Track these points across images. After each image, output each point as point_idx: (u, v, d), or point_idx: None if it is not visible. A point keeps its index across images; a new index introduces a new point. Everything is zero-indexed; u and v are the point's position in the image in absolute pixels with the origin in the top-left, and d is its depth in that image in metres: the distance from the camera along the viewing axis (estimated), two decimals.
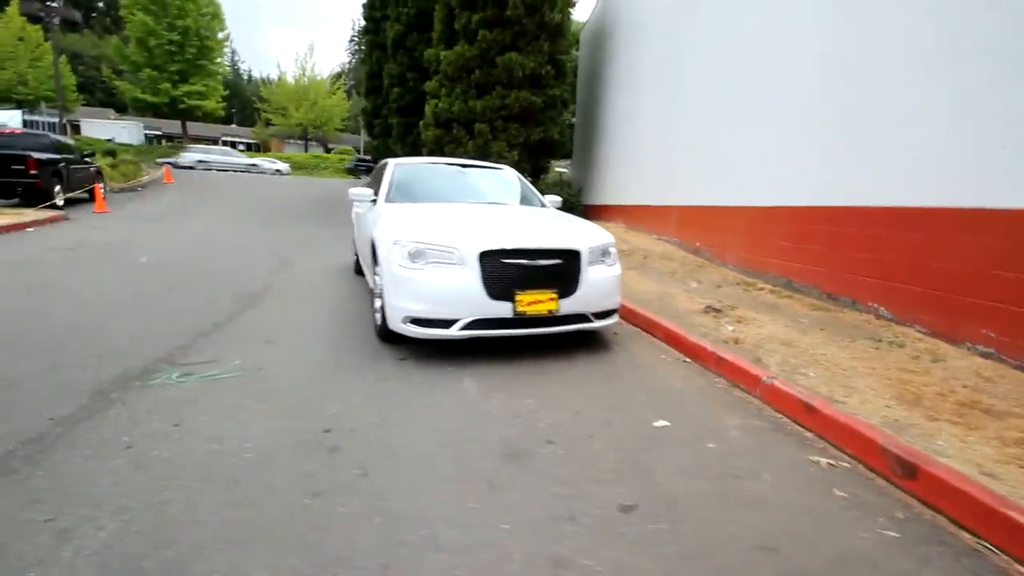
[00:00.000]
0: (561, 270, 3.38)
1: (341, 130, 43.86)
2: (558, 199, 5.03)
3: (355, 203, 5.89)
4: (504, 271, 3.23)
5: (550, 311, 3.31)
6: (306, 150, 42.81)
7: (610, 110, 12.53)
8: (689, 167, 7.66)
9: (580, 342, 3.80)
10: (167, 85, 26.79)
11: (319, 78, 40.51)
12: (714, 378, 3.24)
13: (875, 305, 4.26)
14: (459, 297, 3.20)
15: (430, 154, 13.95)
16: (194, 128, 34.79)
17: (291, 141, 43.53)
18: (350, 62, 63.25)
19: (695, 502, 1.93)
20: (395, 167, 4.80)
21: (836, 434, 2.39)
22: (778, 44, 5.71)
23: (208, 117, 31.28)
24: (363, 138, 35.79)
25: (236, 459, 2.12)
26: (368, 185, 6.07)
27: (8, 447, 2.14)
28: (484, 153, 12.52)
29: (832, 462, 2.26)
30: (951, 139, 3.67)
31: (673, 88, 8.49)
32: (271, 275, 6.02)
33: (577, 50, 16.23)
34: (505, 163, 12.50)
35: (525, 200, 4.79)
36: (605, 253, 3.67)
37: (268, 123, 40.28)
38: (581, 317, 3.50)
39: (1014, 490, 1.90)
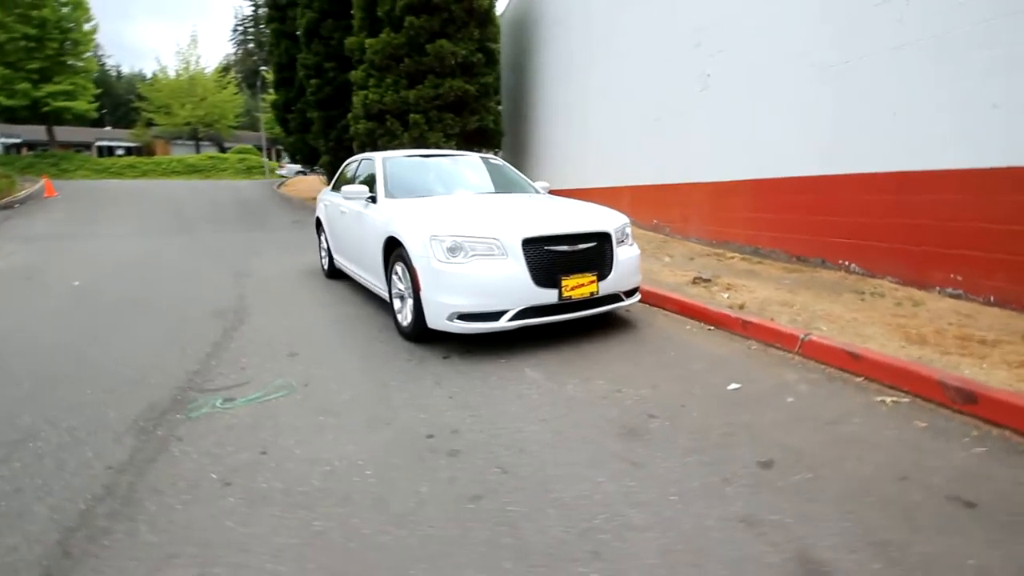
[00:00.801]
0: (597, 252, 3.45)
1: (236, 127, 40.65)
2: (546, 184, 5.07)
3: (326, 203, 5.60)
4: (548, 258, 3.24)
5: (592, 293, 3.37)
6: (198, 151, 39.23)
7: (544, 98, 12.66)
8: (642, 151, 7.97)
9: (600, 323, 3.89)
10: (26, 85, 23.32)
11: (205, 72, 37.19)
12: (746, 341, 3.48)
13: (845, 262, 4.75)
14: (506, 288, 3.17)
15: (361, 148, 13.39)
16: (63, 133, 30.63)
17: (179, 142, 39.66)
18: (236, 53, 58.58)
19: (816, 450, 2.10)
20: (383, 161, 4.58)
21: (888, 375, 2.67)
22: (721, 32, 6.10)
23: (80, 120, 27.72)
24: (263, 135, 33.46)
25: (359, 477, 1.98)
26: (335, 185, 5.76)
27: (79, 506, 1.85)
28: (421, 144, 12.24)
29: (896, 399, 2.54)
30: (900, 114, 4.16)
31: (616, 76, 8.75)
32: (235, 288, 5.55)
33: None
34: None
35: (519, 187, 4.79)
36: (625, 233, 3.78)
37: (150, 123, 36.38)
38: (615, 297, 3.59)
39: None
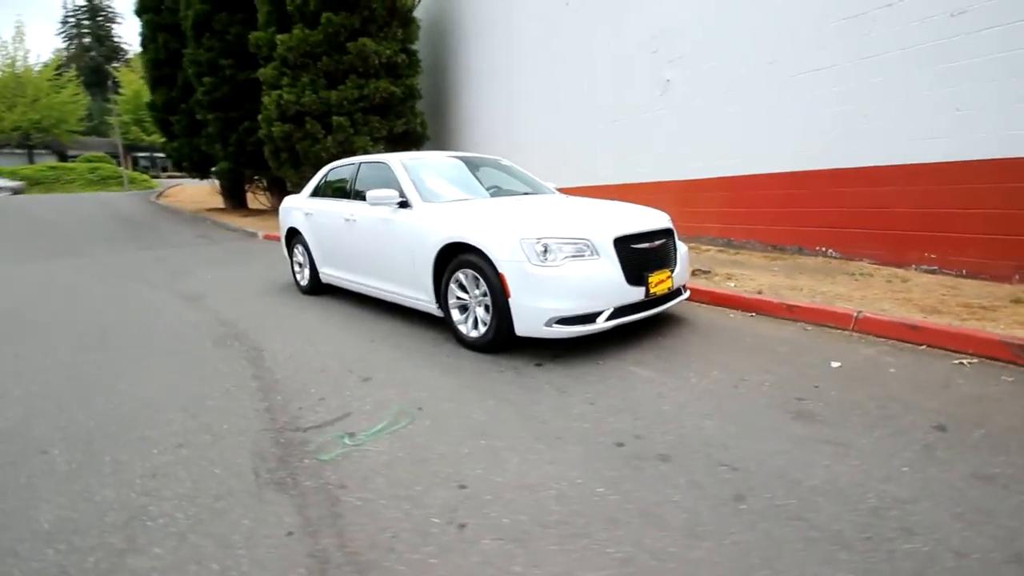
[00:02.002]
0: (669, 248, 3.54)
1: (81, 132, 35.15)
2: (554, 185, 5.07)
3: (307, 211, 5.09)
4: (635, 256, 3.26)
5: (668, 288, 3.46)
6: (31, 160, 33.23)
7: (469, 101, 12.55)
8: (595, 152, 8.26)
9: (651, 320, 3.99)
10: None
11: (35, 70, 31.70)
12: (795, 324, 3.78)
13: (823, 248, 5.35)
14: (603, 288, 3.14)
15: (275, 153, 12.33)
16: None
17: (6, 151, 33.29)
18: (68, 49, 50.62)
19: (960, 411, 2.36)
20: (404, 165, 4.27)
21: (949, 341, 3.08)
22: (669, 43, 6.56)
23: None
24: (119, 141, 29.32)
25: (596, 496, 1.84)
26: (316, 191, 5.28)
27: None
28: (346, 149, 11.56)
29: (968, 361, 2.93)
30: (872, 116, 4.81)
31: (561, 80, 8.93)
32: (201, 312, 4.87)
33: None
34: None
35: (541, 189, 4.73)
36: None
37: None
38: (678, 291, 3.72)
39: None
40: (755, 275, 5.04)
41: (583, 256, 3.12)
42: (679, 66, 6.75)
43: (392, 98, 12.03)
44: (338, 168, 5.22)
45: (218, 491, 1.98)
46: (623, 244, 3.21)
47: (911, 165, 4.55)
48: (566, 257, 3.09)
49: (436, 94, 13.92)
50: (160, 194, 20.44)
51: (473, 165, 4.73)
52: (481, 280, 3.32)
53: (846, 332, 3.53)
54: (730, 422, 2.36)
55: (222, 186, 16.39)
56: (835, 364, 2.98)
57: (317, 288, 5.39)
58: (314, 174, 12.32)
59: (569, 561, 1.55)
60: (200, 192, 19.92)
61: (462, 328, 3.54)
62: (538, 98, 9.99)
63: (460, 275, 3.48)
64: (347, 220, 4.56)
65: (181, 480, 2.06)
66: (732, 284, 4.82)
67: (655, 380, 2.87)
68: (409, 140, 13.09)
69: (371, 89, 11.54)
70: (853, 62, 4.88)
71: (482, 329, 3.39)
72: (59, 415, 2.70)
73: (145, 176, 31.47)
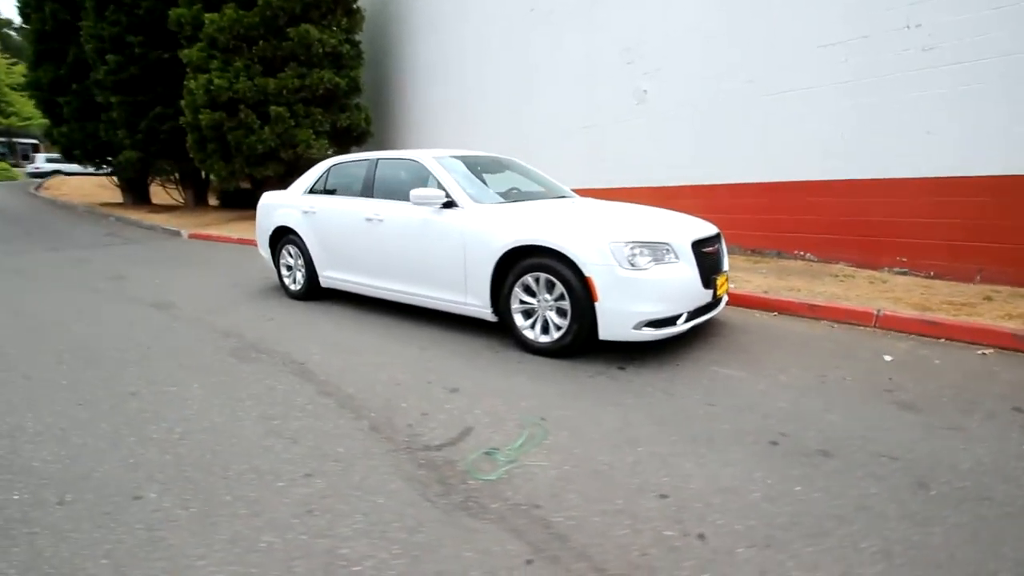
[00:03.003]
0: (721, 252, 3.70)
1: None
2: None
3: (306, 209, 4.69)
4: (705, 259, 3.37)
5: (727, 291, 3.62)
6: None
7: (426, 100, 12.18)
8: (579, 157, 8.38)
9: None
10: None
11: None
12: (819, 322, 4.12)
13: (801, 252, 5.88)
14: (685, 291, 3.21)
15: (200, 144, 11.14)
16: None
17: None
18: None
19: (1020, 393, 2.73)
20: (442, 163, 4.05)
21: (965, 335, 3.53)
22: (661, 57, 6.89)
23: None
24: None
25: (819, 499, 1.89)
26: (314, 188, 4.88)
27: None
28: (286, 142, 10.79)
29: (986, 352, 3.38)
30: (848, 136, 5.38)
31: (541, 90, 8.96)
32: (197, 325, 4.32)
33: None
34: (314, 154, 11.11)
35: (564, 191, 4.72)
36: None
37: None
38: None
39: None
40: (748, 277, 5.41)
41: (664, 260, 3.17)
42: (656, 78, 7.07)
43: (337, 90, 11.39)
44: (343, 165, 4.83)
45: (404, 523, 1.77)
46: (697, 248, 3.32)
47: (884, 180, 5.15)
48: (651, 261, 3.13)
49: (379, 89, 13.37)
50: (39, 186, 17.54)
51: (500, 166, 4.62)
52: (557, 284, 3.25)
53: (869, 329, 3.92)
54: (849, 415, 2.53)
55: (121, 178, 14.45)
56: (887, 358, 3.30)
57: (312, 293, 4.96)
58: (247, 168, 11.39)
59: (835, 560, 1.58)
60: (88, 185, 17.40)
61: (528, 333, 3.44)
62: (498, 99, 9.94)
63: (528, 279, 3.39)
64: (369, 220, 4.24)
65: (347, 514, 1.81)
66: (732, 286, 5.14)
67: (745, 379, 3.00)
68: (352, 136, 12.47)
69: (314, 79, 10.84)
70: (830, 85, 5.42)
71: (555, 334, 3.32)
72: (126, 455, 2.25)
73: (4, 164, 26.84)
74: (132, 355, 3.51)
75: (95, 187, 16.54)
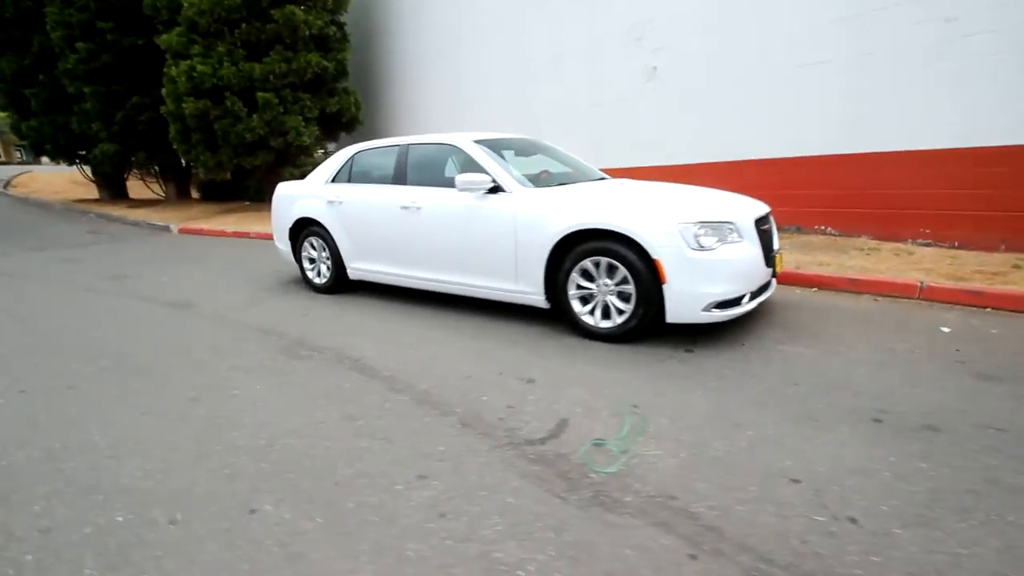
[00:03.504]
0: (773, 229, 3.68)
1: None
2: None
3: (332, 199, 4.51)
4: (766, 238, 3.35)
5: (781, 269, 3.61)
6: None
7: (418, 84, 11.82)
8: (586, 137, 8.27)
9: None
10: None
11: None
12: (860, 296, 4.16)
13: (822, 227, 5.93)
14: (750, 270, 3.18)
15: (184, 134, 10.68)
16: None
17: None
18: None
19: None
20: (482, 147, 3.92)
21: (1014, 303, 3.59)
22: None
23: None
24: None
25: (947, 475, 1.89)
26: (338, 177, 4.71)
27: None
28: (276, 130, 10.43)
29: None
30: (871, 108, 5.40)
31: (542, 69, 8.76)
32: (229, 324, 4.17)
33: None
34: (304, 142, 10.77)
35: (597, 172, 4.63)
36: None
37: None
38: None
39: None
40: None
41: (729, 239, 3.14)
42: (665, 55, 6.98)
43: (325, 74, 11.02)
44: (369, 152, 4.65)
45: (544, 522, 1.71)
46: (757, 226, 3.29)
47: (904, 152, 5.20)
48: (716, 241, 3.08)
49: (366, 73, 12.97)
50: (8, 184, 16.62)
51: (538, 148, 4.52)
52: (620, 267, 3.19)
53: (913, 300, 3.97)
54: (935, 388, 2.55)
55: (97, 173, 13.79)
56: (945, 329, 3.34)
57: (338, 286, 4.81)
58: (235, 157, 10.95)
59: (992, 534, 1.58)
60: (59, 180, 16.55)
61: (587, 319, 3.38)
62: (496, 81, 9.72)
63: (587, 263, 3.32)
64: (405, 208, 4.10)
65: (482, 515, 1.74)
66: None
67: (816, 356, 3.00)
68: (340, 122, 12.11)
69: (301, 63, 10.44)
70: (849, 59, 5.41)
71: (617, 318, 3.26)
72: (219, 465, 2.13)
73: None
74: (175, 359, 3.34)
75: (67, 183, 15.72)
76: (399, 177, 4.29)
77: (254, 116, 10.26)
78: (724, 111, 6.51)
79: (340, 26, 11.56)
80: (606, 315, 3.34)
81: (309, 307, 4.48)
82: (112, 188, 14.22)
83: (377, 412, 2.53)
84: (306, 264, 5.06)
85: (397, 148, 4.40)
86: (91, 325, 4.16)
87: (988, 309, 3.69)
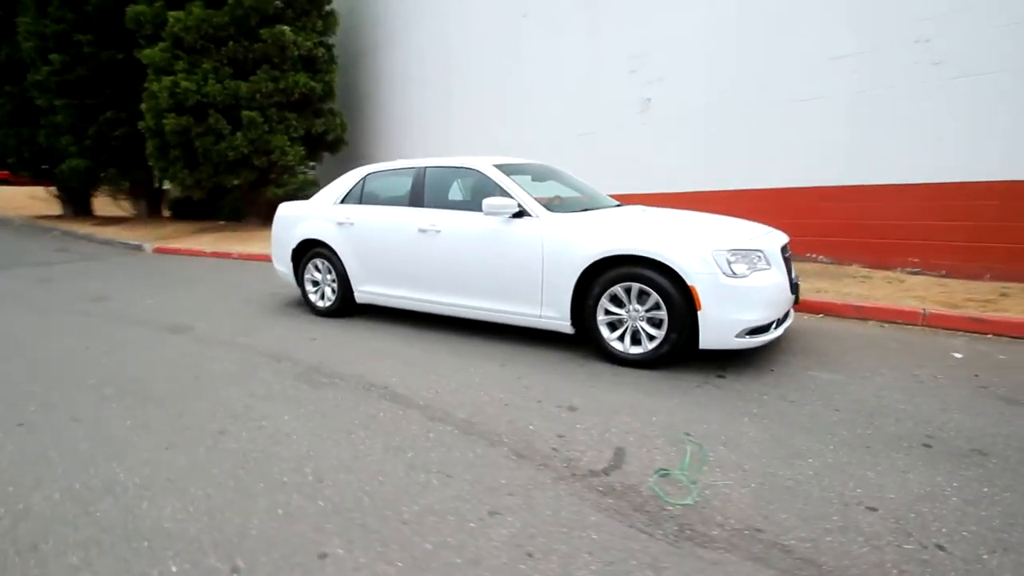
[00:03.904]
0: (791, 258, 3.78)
1: None
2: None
3: (342, 220, 4.42)
4: (788, 265, 3.43)
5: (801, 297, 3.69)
6: None
7: (404, 105, 11.81)
8: (577, 165, 8.39)
9: None
10: None
11: None
12: (867, 322, 4.28)
13: (813, 255, 6.14)
14: (779, 297, 3.24)
15: (161, 150, 10.37)
16: None
17: None
18: None
19: None
20: (499, 173, 3.90)
21: (1010, 329, 3.77)
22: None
23: None
24: None
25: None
26: (348, 198, 4.61)
27: None
28: (260, 149, 10.24)
29: None
30: (862, 142, 5.67)
31: (536, 98, 8.90)
32: (235, 348, 3.99)
33: None
34: (289, 161, 10.60)
35: (607, 200, 4.68)
36: None
37: None
38: None
39: None
40: None
41: (758, 267, 3.19)
42: (661, 86, 7.21)
43: (312, 94, 10.95)
44: (382, 174, 4.59)
45: (639, 559, 1.64)
46: (781, 254, 3.36)
47: (895, 185, 5.47)
48: (747, 268, 3.14)
49: (351, 94, 12.92)
50: None
51: (553, 175, 4.54)
52: (652, 294, 3.20)
53: (917, 327, 4.12)
54: (969, 412, 2.62)
55: (62, 188, 13.17)
56: (957, 355, 3.47)
57: (343, 310, 4.67)
58: (215, 176, 10.64)
59: None
60: (19, 196, 15.69)
61: (616, 345, 3.36)
62: (487, 106, 9.82)
63: (616, 289, 3.31)
64: (423, 231, 4.04)
65: (571, 554, 1.66)
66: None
67: (847, 382, 3.05)
68: (325, 142, 12.00)
69: (289, 83, 10.36)
70: (844, 96, 5.70)
71: (648, 344, 3.26)
72: (269, 505, 1.99)
73: None
74: (187, 387, 3.15)
75: (27, 199, 14.91)
76: (415, 199, 4.23)
77: (238, 134, 10.07)
78: (719, 143, 6.73)
79: (328, 47, 11.54)
80: (635, 341, 3.33)
81: (314, 331, 4.32)
82: (76, 204, 13.60)
83: (424, 443, 2.42)
84: (309, 287, 4.90)
85: (413, 170, 4.35)
86: (84, 350, 3.90)
87: (989, 336, 3.86)
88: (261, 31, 10.11)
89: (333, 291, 4.73)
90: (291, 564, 1.65)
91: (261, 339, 4.13)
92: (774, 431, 2.48)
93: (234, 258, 8.85)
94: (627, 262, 3.27)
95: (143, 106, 10.01)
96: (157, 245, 9.78)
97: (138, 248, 9.79)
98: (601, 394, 2.95)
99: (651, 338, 3.26)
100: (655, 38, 7.20)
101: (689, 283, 3.07)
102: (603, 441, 2.41)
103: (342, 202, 4.69)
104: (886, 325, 4.21)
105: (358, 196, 4.62)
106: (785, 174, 6.16)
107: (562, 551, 1.69)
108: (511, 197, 3.72)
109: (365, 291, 4.53)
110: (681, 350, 3.20)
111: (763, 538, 1.74)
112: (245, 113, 9.98)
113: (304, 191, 13.90)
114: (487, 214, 3.65)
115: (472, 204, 3.95)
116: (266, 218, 12.95)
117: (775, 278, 3.22)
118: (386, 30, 12.06)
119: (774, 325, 3.25)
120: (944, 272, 5.29)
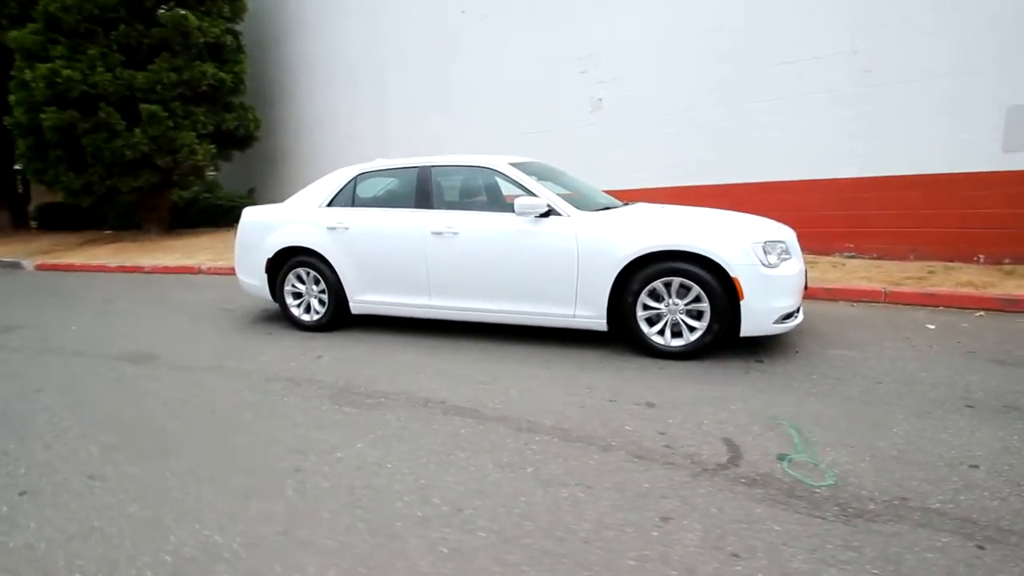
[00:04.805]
0: None
1: None
2: None
3: (332, 225, 4.09)
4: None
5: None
6: None
7: (331, 102, 11.06)
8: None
9: None
10: None
11: None
12: (837, 302, 4.77)
13: None
14: (801, 284, 3.48)
15: (37, 150, 8.86)
16: None
17: None
18: None
19: None
20: (519, 172, 3.80)
21: (954, 302, 4.40)
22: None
23: None
24: None
25: None
26: (338, 200, 4.27)
27: None
28: (164, 147, 9.14)
29: (979, 314, 4.25)
30: (804, 142, 6.30)
31: (480, 94, 8.76)
32: (227, 376, 3.55)
33: None
34: (198, 160, 9.57)
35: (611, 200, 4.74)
36: None
37: None
38: None
39: None
40: None
41: (784, 256, 3.43)
42: (613, 87, 7.47)
43: (222, 87, 9.91)
44: (376, 174, 4.26)
45: (834, 543, 1.68)
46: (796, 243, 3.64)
47: (832, 180, 6.15)
48: (777, 258, 3.35)
49: (262, 86, 11.87)
50: None
51: (559, 175, 4.49)
52: (693, 287, 3.31)
53: (881, 304, 4.67)
54: (977, 374, 3.00)
55: None
56: (930, 326, 3.98)
57: (334, 323, 4.31)
58: (109, 178, 9.22)
59: None
60: None
61: (657, 339, 3.44)
62: (425, 104, 9.53)
63: (656, 284, 3.38)
64: (438, 234, 3.82)
65: (774, 549, 1.67)
66: None
67: (866, 358, 3.37)
68: (235, 139, 10.94)
69: (195, 73, 9.31)
70: (783, 99, 6.29)
71: (690, 336, 3.37)
72: (420, 548, 1.76)
73: None
74: (208, 425, 2.71)
75: None
76: (423, 200, 3.99)
77: (136, 130, 8.83)
78: (674, 142, 7.11)
79: (236, 35, 10.50)
80: (674, 334, 3.42)
81: (313, 348, 3.93)
82: None
83: (534, 456, 2.30)
84: (290, 300, 4.43)
85: (415, 170, 4.10)
86: (36, 392, 3.20)
87: (940, 308, 4.48)
88: (159, 14, 8.94)
89: (322, 303, 4.32)
90: None
91: (255, 362, 3.66)
92: (844, 408, 2.68)
93: (148, 272, 7.75)
94: (667, 257, 3.35)
95: (12, 98, 8.41)
96: (40, 261, 8.28)
97: (15, 266, 8.22)
98: (668, 389, 2.99)
99: (691, 330, 3.37)
100: (604, 40, 7.43)
101: (732, 275, 3.22)
102: (706, 434, 2.45)
103: (330, 205, 4.29)
104: (855, 304, 4.73)
105: (349, 198, 4.26)
106: (737, 170, 6.67)
107: (759, 546, 1.69)
108: (536, 196, 3.65)
109: (364, 301, 4.19)
110: (724, 339, 3.35)
111: (913, 505, 1.88)
112: (144, 107, 8.77)
113: (215, 193, 12.56)
114: (519, 214, 3.54)
115: (490, 204, 3.81)
116: (170, 225, 11.50)
117: (798, 266, 3.48)
118: (302, 17, 11.23)
119: (799, 310, 3.51)
120: (876, 255, 6.05)
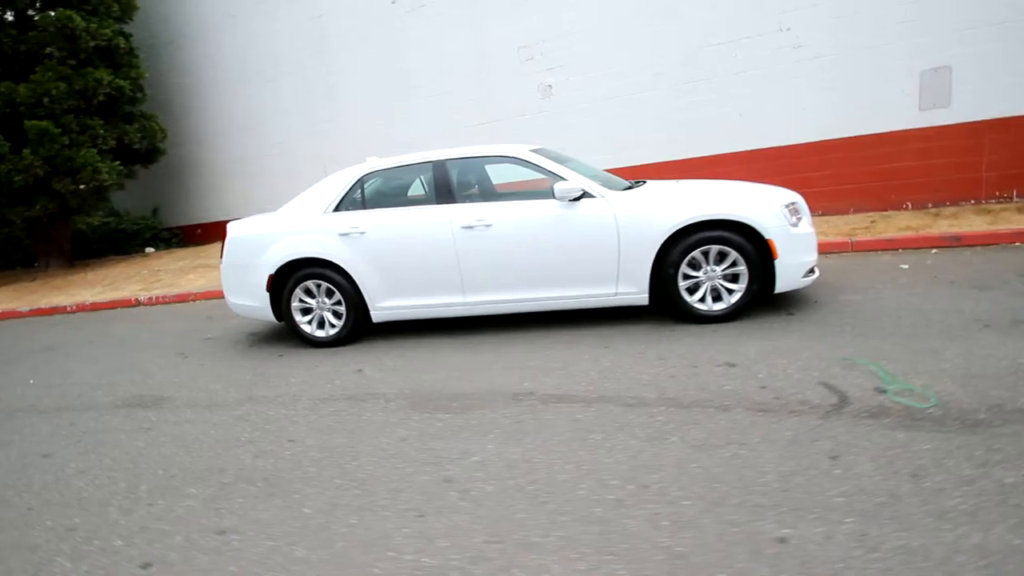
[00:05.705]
0: None
1: None
2: None
3: (344, 229, 3.89)
4: None
5: None
6: None
7: (246, 105, 10.21)
8: None
9: None
10: None
11: None
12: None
13: None
14: (816, 241, 3.82)
15: None
16: None
17: None
18: None
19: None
20: (543, 158, 3.79)
21: (911, 243, 5.05)
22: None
23: None
24: None
25: None
26: (345, 202, 4.07)
27: None
28: (61, 168, 8.04)
29: (936, 253, 4.91)
30: (745, 114, 6.83)
31: (423, 85, 8.50)
32: (293, 411, 3.27)
33: None
34: (105, 181, 8.56)
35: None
36: None
37: None
38: None
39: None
40: None
41: (802, 217, 3.75)
42: (559, 74, 7.61)
43: (120, 95, 8.81)
44: (383, 172, 4.05)
45: (979, 456, 1.93)
46: None
47: (776, 148, 6.75)
48: (796, 218, 3.66)
49: (162, 92, 10.69)
50: None
51: (569, 161, 4.52)
52: (731, 252, 3.52)
53: (849, 253, 5.23)
54: (970, 300, 3.49)
55: None
56: (904, 267, 4.54)
57: (353, 335, 4.08)
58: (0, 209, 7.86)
59: None
60: None
61: (699, 305, 3.63)
62: (360, 101, 9.12)
63: (695, 254, 3.56)
64: (468, 228, 3.72)
65: (960, 479, 1.87)
66: None
67: (875, 299, 3.78)
68: (139, 153, 9.81)
69: (88, 82, 8.21)
70: (725, 76, 6.78)
71: (731, 299, 3.59)
72: (673, 530, 1.75)
73: None
74: (303, 455, 2.48)
75: None
76: (444, 195, 3.86)
77: (25, 151, 7.62)
78: (623, 124, 7.41)
79: (127, 37, 9.35)
80: (716, 298, 3.63)
81: (341, 363, 3.71)
82: None
83: (667, 426, 2.36)
84: (299, 317, 4.11)
85: (429, 165, 3.94)
86: (48, 459, 2.72)
87: (899, 250, 5.12)
88: (37, 17, 7.75)
89: (337, 315, 4.06)
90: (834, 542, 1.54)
91: (291, 387, 3.38)
92: (894, 341, 3.00)
93: (72, 312, 6.76)
94: (704, 227, 3.53)
95: None
96: None
97: None
98: (735, 348, 3.17)
99: (730, 292, 3.60)
100: (547, 26, 7.54)
101: (767, 237, 3.47)
102: (800, 382, 2.65)
103: (336, 210, 4.02)
104: (829, 255, 5.26)
105: (358, 201, 4.01)
106: (688, 147, 7.10)
107: (927, 464, 1.89)
108: (567, 180, 3.67)
109: (387, 307, 3.99)
110: (760, 298, 3.60)
111: (1010, 408, 2.18)
112: (31, 124, 7.59)
113: (121, 217, 11.19)
114: (559, 199, 3.55)
115: (519, 193, 3.78)
116: (71, 257, 9.99)
117: (811, 225, 3.82)
118: (204, 14, 10.22)
119: (816, 264, 3.86)
120: (820, 212, 6.74)
